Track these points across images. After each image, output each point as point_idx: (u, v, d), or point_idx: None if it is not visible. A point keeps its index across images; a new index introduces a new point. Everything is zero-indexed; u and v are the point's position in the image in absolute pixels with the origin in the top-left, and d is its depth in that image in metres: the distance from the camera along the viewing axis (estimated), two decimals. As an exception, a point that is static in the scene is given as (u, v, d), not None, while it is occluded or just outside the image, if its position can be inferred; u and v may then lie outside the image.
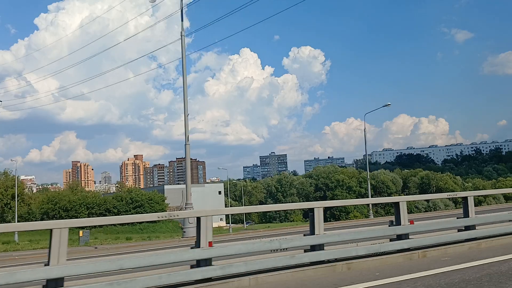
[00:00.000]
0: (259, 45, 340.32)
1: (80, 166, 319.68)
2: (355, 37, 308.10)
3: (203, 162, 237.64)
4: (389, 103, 45.45)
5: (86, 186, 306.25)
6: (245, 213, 74.68)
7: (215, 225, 54.53)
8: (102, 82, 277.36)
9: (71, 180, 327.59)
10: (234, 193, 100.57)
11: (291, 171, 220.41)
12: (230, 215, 68.52)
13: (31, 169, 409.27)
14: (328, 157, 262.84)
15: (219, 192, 79.41)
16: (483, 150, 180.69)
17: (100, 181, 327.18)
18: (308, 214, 8.52)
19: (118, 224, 46.96)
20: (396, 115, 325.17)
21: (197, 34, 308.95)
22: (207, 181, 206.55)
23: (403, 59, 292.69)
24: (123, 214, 52.81)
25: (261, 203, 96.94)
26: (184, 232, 26.65)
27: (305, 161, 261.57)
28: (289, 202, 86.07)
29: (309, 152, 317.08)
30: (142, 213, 53.17)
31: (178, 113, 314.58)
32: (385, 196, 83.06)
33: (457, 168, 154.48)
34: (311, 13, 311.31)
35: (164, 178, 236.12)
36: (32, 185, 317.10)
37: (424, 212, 74.42)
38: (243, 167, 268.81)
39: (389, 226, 8.95)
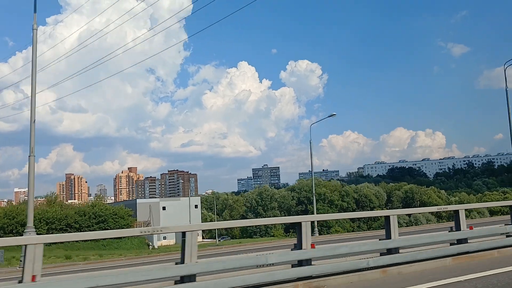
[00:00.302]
0: (257, 59, 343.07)
1: (74, 178, 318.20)
2: (352, 51, 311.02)
3: (195, 174, 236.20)
4: (334, 113, 43.27)
5: (80, 199, 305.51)
6: (226, 228, 72.89)
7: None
8: (100, 95, 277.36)
9: (65, 193, 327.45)
10: (217, 206, 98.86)
11: (283, 184, 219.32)
12: (215, 230, 67.23)
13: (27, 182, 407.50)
14: (323, 170, 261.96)
15: (196, 206, 77.73)
16: (476, 164, 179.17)
17: (95, 194, 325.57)
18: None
19: (81, 240, 45.33)
20: (393, 128, 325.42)
21: (195, 47, 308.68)
22: (199, 194, 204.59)
23: (400, 73, 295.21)
24: (85, 230, 51.26)
25: (242, 217, 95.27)
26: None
27: (299, 173, 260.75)
28: (270, 216, 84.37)
29: (306, 165, 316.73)
30: (106, 229, 51.58)
31: (176, 125, 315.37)
32: (368, 210, 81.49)
33: (448, 182, 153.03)
34: (308, 26, 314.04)
35: (155, 191, 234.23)
36: (26, 197, 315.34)
37: (406, 226, 72.74)
38: (238, 180, 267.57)
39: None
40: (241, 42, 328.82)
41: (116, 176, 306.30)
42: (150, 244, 57.82)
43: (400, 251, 8.62)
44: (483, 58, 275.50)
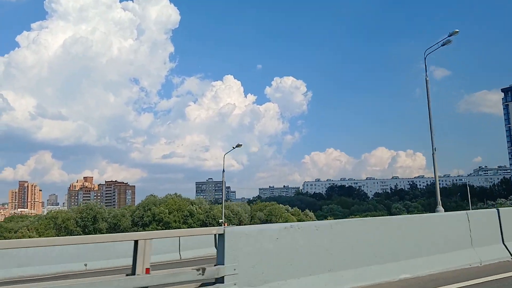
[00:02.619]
0: (243, 73, 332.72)
1: (28, 186, 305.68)
2: (336, 71, 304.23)
3: (133, 186, 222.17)
4: (241, 144, 42.12)
5: (32, 208, 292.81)
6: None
7: None
8: (81, 103, 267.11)
9: (17, 201, 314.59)
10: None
11: (227, 199, 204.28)
12: None
13: (2, 188, 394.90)
14: (284, 186, 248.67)
15: None
16: (420, 185, 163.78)
17: (49, 202, 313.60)
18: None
19: None
20: (374, 148, 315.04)
21: (181, 59, 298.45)
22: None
23: (382, 94, 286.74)
24: None
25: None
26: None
27: (259, 189, 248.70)
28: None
29: (289, 181, 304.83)
30: None
31: (158, 136, 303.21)
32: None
33: (376, 204, 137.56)
34: (293, 45, 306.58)
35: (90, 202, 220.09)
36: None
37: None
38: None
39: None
40: (227, 56, 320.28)
41: (70, 185, 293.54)
42: None
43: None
44: (463, 83, 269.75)
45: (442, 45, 23.37)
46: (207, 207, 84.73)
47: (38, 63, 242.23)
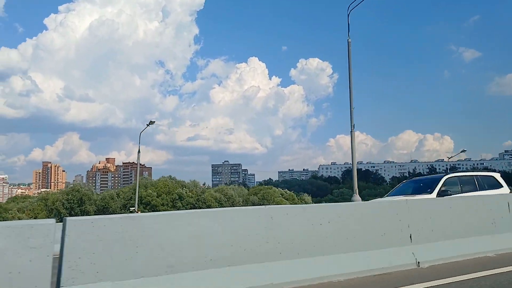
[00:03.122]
0: (267, 55, 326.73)
1: (51, 167, 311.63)
2: (362, 54, 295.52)
3: (150, 168, 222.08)
4: (154, 121, 38.79)
5: (56, 188, 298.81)
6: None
7: None
8: (108, 85, 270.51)
9: (41, 181, 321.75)
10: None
11: (240, 182, 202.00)
12: None
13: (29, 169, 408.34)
14: (303, 169, 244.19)
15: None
16: (439, 169, 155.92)
17: (75, 183, 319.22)
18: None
19: None
20: (401, 131, 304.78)
21: (205, 41, 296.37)
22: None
23: (410, 76, 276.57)
24: None
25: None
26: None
27: (279, 172, 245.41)
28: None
29: (312, 164, 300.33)
30: None
31: (183, 119, 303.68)
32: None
33: (387, 187, 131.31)
34: (318, 26, 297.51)
35: (107, 183, 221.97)
36: (4, 184, 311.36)
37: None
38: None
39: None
40: (252, 38, 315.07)
41: (93, 166, 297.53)
42: None
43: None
44: (494, 64, 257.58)
45: (366, -2, 18.59)
46: (199, 190, 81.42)
47: (66, 46, 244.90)
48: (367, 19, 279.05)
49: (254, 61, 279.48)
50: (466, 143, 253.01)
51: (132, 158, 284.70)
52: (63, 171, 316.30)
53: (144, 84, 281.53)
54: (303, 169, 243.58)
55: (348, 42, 19.64)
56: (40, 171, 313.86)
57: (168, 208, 74.24)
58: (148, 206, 74.59)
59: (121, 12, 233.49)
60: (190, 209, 76.93)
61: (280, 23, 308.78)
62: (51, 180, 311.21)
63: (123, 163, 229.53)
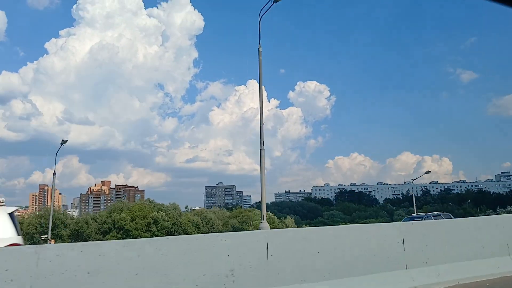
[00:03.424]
0: (266, 78, 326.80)
1: (48, 190, 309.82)
2: (360, 76, 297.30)
3: (143, 190, 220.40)
4: (66, 140, 41.67)
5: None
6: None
7: None
8: (107, 108, 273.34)
9: (37, 204, 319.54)
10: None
11: (234, 205, 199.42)
12: None
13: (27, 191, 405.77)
14: (300, 191, 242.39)
15: None
16: (433, 191, 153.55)
17: (73, 205, 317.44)
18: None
19: None
20: (399, 153, 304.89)
21: (204, 64, 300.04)
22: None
23: (407, 98, 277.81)
24: None
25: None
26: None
27: (275, 193, 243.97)
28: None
29: (311, 185, 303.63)
30: None
31: (182, 141, 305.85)
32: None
33: (377, 209, 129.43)
34: (316, 52, 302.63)
35: (99, 206, 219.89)
36: (1, 206, 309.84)
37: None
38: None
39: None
40: (251, 61, 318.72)
41: (88, 189, 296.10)
42: None
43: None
44: (491, 86, 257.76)
45: (274, 2, 17.32)
46: (177, 214, 79.17)
47: (66, 69, 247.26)
48: (363, 43, 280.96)
49: (253, 83, 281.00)
50: (465, 164, 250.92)
51: (131, 181, 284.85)
52: (59, 193, 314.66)
53: (144, 107, 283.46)
54: (299, 191, 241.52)
55: (258, 51, 18.74)
56: (37, 194, 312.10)
57: (142, 233, 71.99)
58: (121, 231, 72.39)
59: (121, 36, 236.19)
60: (166, 234, 74.73)
61: (278, 47, 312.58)
62: (47, 203, 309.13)
63: (115, 185, 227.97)
